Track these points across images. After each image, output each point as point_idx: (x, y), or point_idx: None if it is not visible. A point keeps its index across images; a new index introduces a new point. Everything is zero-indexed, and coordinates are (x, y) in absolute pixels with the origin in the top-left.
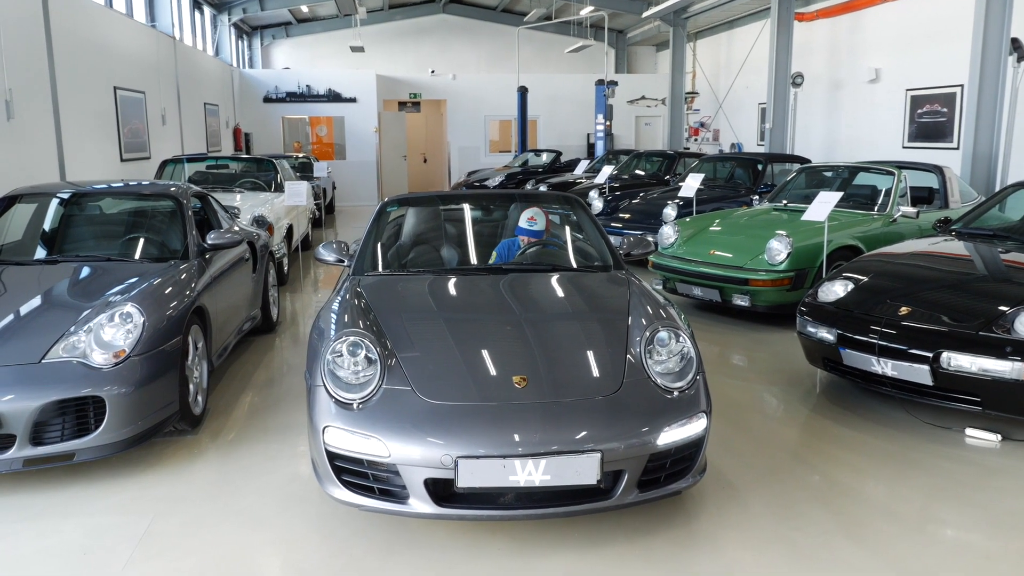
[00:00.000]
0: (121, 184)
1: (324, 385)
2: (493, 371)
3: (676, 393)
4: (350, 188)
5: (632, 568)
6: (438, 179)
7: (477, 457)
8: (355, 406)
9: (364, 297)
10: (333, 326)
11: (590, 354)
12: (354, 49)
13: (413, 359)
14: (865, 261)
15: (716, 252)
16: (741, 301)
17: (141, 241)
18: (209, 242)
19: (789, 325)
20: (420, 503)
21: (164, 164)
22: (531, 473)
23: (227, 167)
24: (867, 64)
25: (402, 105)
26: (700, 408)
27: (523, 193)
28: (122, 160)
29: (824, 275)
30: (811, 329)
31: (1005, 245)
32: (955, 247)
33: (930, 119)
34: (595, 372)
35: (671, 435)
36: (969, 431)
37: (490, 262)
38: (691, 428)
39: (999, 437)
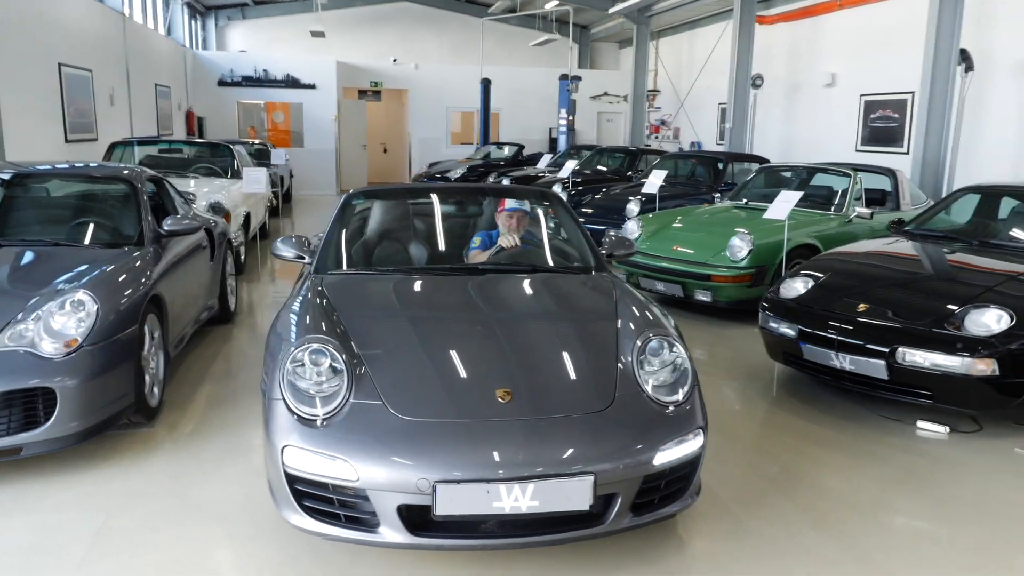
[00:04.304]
0: (68, 166)
1: (283, 399)
2: (474, 384)
3: (672, 408)
4: (308, 177)
5: (599, 559)
6: (398, 170)
7: (458, 482)
8: (319, 423)
9: (327, 297)
10: (293, 330)
11: (579, 365)
12: (314, 34)
13: (384, 369)
14: (823, 260)
15: (679, 248)
16: (703, 296)
17: (92, 226)
18: (166, 228)
19: (749, 321)
20: (392, 532)
21: (113, 146)
22: (517, 499)
23: (181, 151)
24: (824, 68)
25: (363, 93)
26: (697, 424)
27: (499, 188)
28: (67, 141)
29: (783, 272)
30: (773, 324)
31: (951, 246)
32: (907, 247)
33: (882, 124)
34: (585, 385)
35: (668, 454)
36: (920, 423)
37: (473, 246)
38: (688, 446)
39: (947, 429)
